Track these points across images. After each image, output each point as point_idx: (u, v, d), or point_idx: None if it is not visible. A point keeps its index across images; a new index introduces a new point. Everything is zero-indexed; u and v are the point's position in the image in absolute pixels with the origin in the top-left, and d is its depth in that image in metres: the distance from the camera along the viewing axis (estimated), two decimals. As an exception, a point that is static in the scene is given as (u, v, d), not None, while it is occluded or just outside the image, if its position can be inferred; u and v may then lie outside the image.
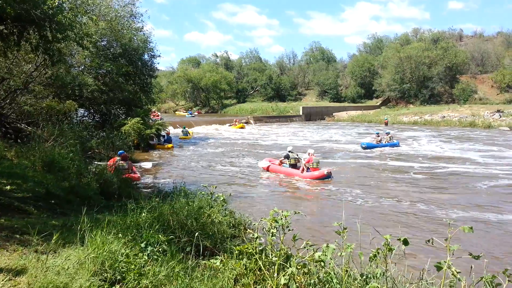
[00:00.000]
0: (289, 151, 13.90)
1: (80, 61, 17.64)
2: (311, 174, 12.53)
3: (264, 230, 3.64)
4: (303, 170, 12.85)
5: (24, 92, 12.69)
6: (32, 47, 7.19)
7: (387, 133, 23.15)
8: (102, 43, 19.17)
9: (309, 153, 13.25)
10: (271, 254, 3.47)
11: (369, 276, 3.28)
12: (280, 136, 29.44)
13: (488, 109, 40.89)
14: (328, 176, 12.33)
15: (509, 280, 2.67)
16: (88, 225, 3.62)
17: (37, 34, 6.69)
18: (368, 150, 20.98)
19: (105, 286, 2.90)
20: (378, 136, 22.65)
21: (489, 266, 3.04)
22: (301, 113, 48.59)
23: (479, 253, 2.82)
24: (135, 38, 20.45)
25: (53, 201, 6.07)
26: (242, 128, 36.59)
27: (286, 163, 13.77)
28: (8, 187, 5.97)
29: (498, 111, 38.68)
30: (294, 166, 13.55)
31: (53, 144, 9.17)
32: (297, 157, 13.71)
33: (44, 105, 13.24)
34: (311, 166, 12.71)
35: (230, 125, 37.75)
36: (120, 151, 12.43)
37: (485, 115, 38.25)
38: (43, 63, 11.78)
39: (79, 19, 8.11)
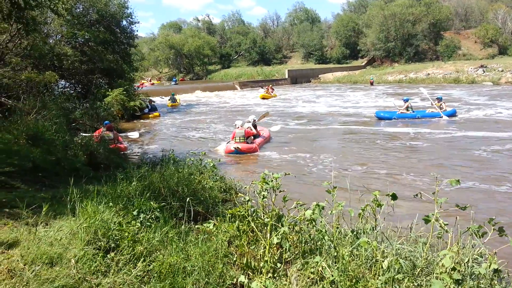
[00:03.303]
0: (241, 121, 12.89)
1: (56, 30, 16.98)
2: (225, 149, 12.06)
3: (255, 193, 3.67)
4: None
5: (1, 64, 12.23)
6: (3, 15, 6.87)
7: (439, 99, 16.90)
8: (77, 10, 18.41)
9: (235, 125, 12.54)
10: (263, 216, 3.52)
11: (359, 231, 3.37)
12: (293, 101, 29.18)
13: (471, 64, 41.06)
14: (236, 151, 11.55)
15: (494, 229, 2.76)
16: (78, 196, 3.60)
17: (8, 1, 6.37)
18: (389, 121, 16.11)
19: (100, 254, 2.92)
20: (406, 102, 16.64)
21: (477, 218, 3.13)
22: (286, 77, 48.15)
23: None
24: (111, 3, 19.68)
25: (40, 174, 6.00)
26: (264, 98, 29.33)
27: None
28: (-7, 162, 5.87)
29: (482, 66, 38.89)
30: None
31: (36, 117, 8.94)
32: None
33: (23, 77, 12.82)
34: (235, 140, 11.98)
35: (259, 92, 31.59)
36: (106, 122, 12.28)
37: (468, 71, 38.46)
38: (17, 33, 11.30)
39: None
